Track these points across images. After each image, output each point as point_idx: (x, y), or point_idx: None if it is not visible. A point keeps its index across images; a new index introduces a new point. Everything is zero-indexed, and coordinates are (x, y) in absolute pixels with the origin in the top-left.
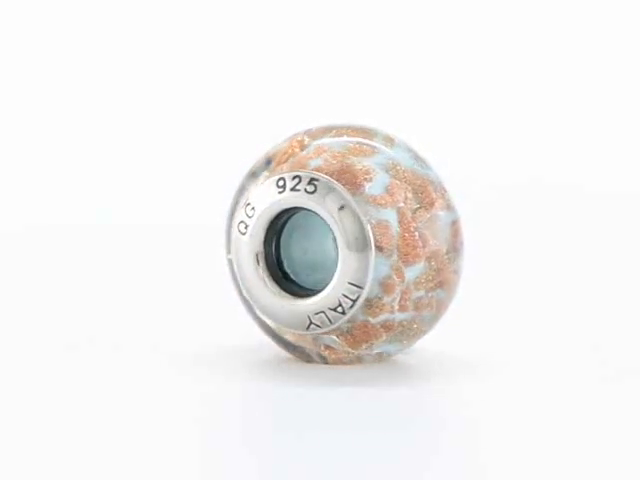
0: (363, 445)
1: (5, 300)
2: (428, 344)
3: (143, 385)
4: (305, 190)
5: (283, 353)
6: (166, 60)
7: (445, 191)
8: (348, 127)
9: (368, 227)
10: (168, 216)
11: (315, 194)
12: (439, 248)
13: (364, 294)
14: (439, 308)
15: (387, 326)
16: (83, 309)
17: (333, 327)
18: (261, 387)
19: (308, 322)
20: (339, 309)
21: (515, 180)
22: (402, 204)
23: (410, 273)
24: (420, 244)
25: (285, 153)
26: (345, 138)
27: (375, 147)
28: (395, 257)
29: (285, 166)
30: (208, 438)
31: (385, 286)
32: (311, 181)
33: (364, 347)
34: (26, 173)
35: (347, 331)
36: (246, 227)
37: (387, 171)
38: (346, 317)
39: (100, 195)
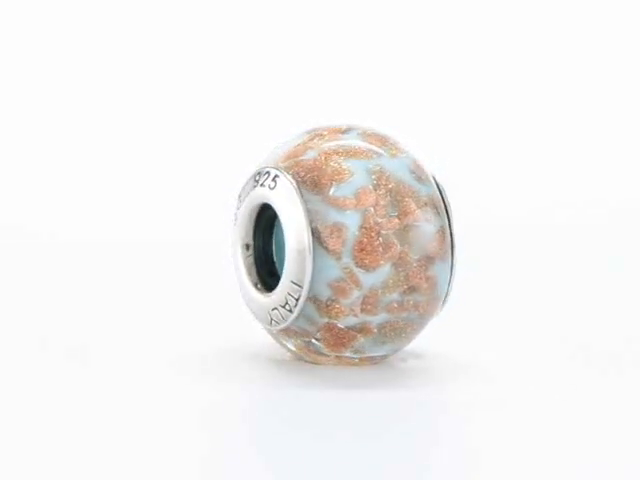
0: (360, 447)
1: (17, 308)
2: (426, 346)
3: (146, 386)
4: (269, 186)
5: (285, 354)
6: (171, 70)
7: (432, 205)
8: (374, 133)
9: (308, 227)
10: (175, 220)
11: (274, 190)
12: (407, 255)
13: (304, 293)
14: (423, 310)
15: (363, 329)
16: (90, 313)
17: (287, 324)
18: (261, 388)
19: (269, 317)
20: (287, 306)
21: (518, 191)
22: (371, 209)
23: (374, 277)
24: (380, 250)
25: (314, 137)
26: (358, 141)
27: (375, 152)
28: (347, 260)
29: (285, 155)
30: (208, 438)
31: (336, 289)
32: (275, 177)
33: (346, 351)
34: (28, 187)
35: (320, 334)
36: (236, 219)
37: (370, 176)
38: (294, 315)
39: (107, 200)
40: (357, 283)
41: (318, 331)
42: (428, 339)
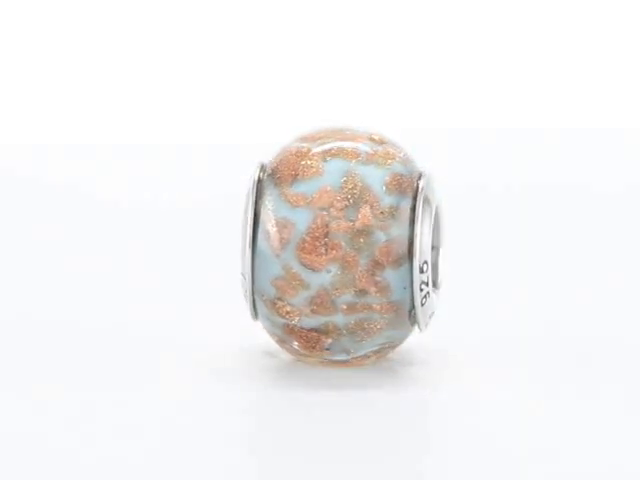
0: (358, 447)
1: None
2: (422, 346)
3: (146, 386)
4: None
5: (285, 355)
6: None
7: (392, 215)
8: (395, 145)
9: (252, 220)
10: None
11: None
12: (353, 259)
13: (248, 287)
14: (380, 311)
15: (327, 331)
16: (90, 314)
17: (252, 317)
18: (260, 390)
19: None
20: (246, 299)
21: (508, 184)
22: (324, 210)
23: (321, 278)
24: (322, 250)
25: (340, 132)
26: (364, 146)
27: (364, 158)
28: (288, 258)
29: (300, 140)
30: (208, 438)
31: (279, 287)
32: (256, 170)
33: (319, 352)
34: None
35: (290, 338)
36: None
37: (341, 177)
38: (250, 308)
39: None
40: (301, 282)
41: (284, 333)
42: (424, 339)
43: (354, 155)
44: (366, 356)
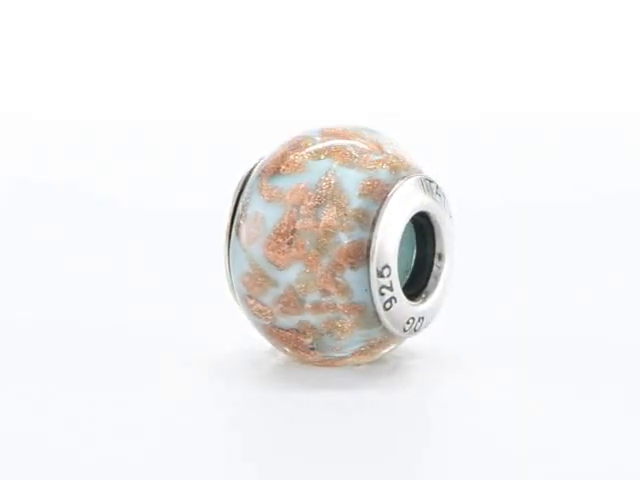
0: (354, 448)
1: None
2: (419, 345)
3: (146, 386)
4: None
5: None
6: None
7: (357, 218)
8: (399, 153)
9: (231, 214)
10: (179, 213)
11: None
12: (315, 258)
13: (228, 281)
14: (344, 311)
15: (303, 330)
16: (87, 315)
17: (241, 311)
18: (260, 390)
19: None
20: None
21: (505, 187)
22: (295, 207)
23: (287, 275)
24: (285, 248)
25: (354, 133)
26: (363, 149)
27: (351, 160)
28: (254, 253)
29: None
30: (207, 438)
31: (245, 283)
32: (254, 163)
33: (304, 353)
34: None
35: (270, 336)
36: None
37: (320, 176)
38: (235, 304)
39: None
40: (267, 279)
41: (265, 333)
42: (423, 339)
43: (344, 157)
44: (362, 352)
